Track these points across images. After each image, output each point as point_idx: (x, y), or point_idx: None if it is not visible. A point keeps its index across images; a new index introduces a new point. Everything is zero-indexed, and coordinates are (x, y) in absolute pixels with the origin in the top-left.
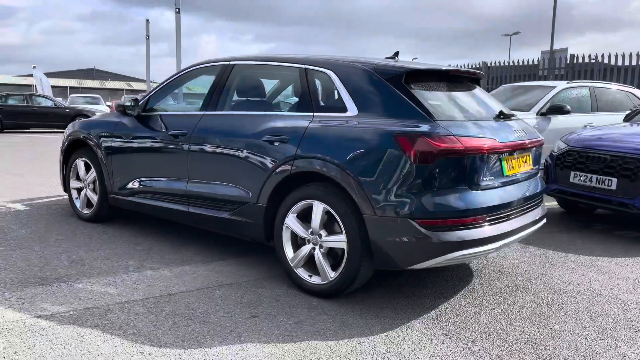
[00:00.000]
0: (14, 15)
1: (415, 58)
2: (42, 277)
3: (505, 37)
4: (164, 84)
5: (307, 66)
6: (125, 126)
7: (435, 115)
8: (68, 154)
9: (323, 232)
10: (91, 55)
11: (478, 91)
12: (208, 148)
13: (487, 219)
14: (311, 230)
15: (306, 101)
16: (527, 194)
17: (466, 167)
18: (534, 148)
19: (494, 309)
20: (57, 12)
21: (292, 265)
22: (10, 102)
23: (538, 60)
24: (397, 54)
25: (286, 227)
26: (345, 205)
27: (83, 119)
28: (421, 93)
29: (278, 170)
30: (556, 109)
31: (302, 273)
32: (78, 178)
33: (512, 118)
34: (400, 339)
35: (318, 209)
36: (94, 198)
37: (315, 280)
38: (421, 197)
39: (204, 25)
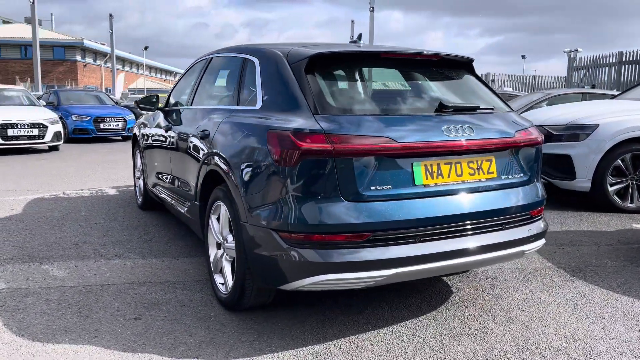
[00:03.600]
0: (267, 26)
1: None
2: (33, 255)
3: None
4: (178, 81)
5: (245, 55)
6: (152, 122)
7: (323, 108)
8: (133, 147)
9: (230, 237)
10: None
11: (450, 78)
12: (177, 143)
13: (373, 238)
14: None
15: (236, 93)
16: (479, 210)
17: (339, 172)
18: (512, 149)
19: (392, 352)
20: (300, 21)
21: (212, 269)
22: None
23: None
24: (360, 36)
25: (210, 228)
26: (234, 209)
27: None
28: (324, 82)
29: (202, 167)
30: None
31: (218, 279)
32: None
33: (478, 111)
34: None
35: (222, 211)
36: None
37: (223, 288)
38: (286, 205)
39: (430, 23)
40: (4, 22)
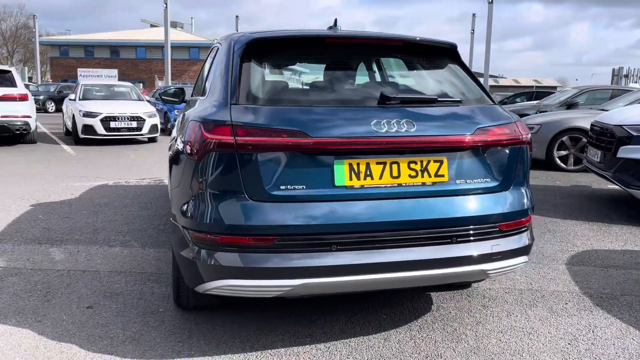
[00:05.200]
0: (396, 24)
1: None
2: (51, 238)
3: None
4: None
5: (218, 44)
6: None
7: (246, 97)
8: None
9: None
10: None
11: (419, 67)
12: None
13: (279, 243)
14: None
15: (203, 83)
16: (418, 219)
17: (243, 167)
18: (475, 149)
19: None
20: (431, 17)
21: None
22: None
23: None
24: (335, 22)
25: None
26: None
27: None
28: (259, 69)
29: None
30: None
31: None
32: None
33: (437, 104)
34: None
35: None
36: None
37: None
38: (194, 202)
39: (575, 14)
40: (152, 25)
